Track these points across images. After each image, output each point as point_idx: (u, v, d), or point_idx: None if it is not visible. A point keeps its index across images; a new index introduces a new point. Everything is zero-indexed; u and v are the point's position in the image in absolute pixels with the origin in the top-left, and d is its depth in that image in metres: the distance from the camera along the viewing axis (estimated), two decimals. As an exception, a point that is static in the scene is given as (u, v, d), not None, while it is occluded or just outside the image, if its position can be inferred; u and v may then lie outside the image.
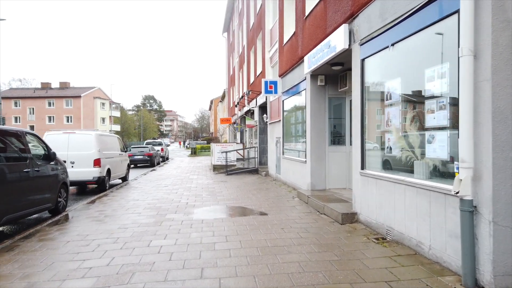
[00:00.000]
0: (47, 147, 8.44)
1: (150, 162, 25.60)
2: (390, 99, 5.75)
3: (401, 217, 5.22)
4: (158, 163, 27.98)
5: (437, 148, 4.54)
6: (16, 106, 69.97)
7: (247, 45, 21.93)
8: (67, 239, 6.06)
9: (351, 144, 9.34)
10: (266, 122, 16.24)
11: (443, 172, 4.49)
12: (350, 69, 8.54)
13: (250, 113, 20.95)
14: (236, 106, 24.91)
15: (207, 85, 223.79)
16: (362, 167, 6.47)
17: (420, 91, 4.99)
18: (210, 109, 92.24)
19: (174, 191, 11.86)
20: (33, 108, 69.89)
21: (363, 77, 6.47)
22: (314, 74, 9.51)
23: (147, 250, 5.32)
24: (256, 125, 18.63)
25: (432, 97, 4.64)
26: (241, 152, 22.85)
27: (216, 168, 18.89)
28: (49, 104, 70.18)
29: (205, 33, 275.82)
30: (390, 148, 5.76)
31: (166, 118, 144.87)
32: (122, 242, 5.80)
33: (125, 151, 16.19)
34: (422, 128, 4.87)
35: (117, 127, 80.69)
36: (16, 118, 69.49)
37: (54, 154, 8.50)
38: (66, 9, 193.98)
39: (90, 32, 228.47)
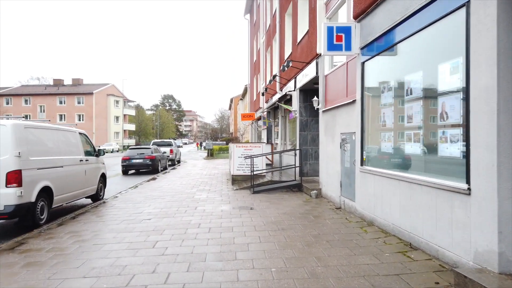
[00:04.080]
0: None
1: (152, 167, 19.87)
2: None
3: None
4: (165, 168, 22.31)
5: None
6: (27, 103, 66.52)
7: (280, 7, 15.89)
8: None
9: None
10: (317, 109, 10.16)
11: None
12: None
13: (285, 101, 14.89)
14: (262, 95, 18.95)
15: (227, 84, 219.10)
16: None
17: None
18: (230, 108, 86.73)
19: (152, 238, 5.93)
20: (43, 106, 66.11)
21: None
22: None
23: None
24: (296, 117, 12.58)
25: None
26: (269, 156, 16.91)
27: (236, 181, 12.92)
28: (60, 101, 66.26)
29: (226, 31, 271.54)
30: None
31: (185, 118, 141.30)
32: None
33: (97, 155, 10.45)
34: None
35: (132, 126, 76.23)
36: (26, 116, 65.69)
37: None
38: (88, 7, 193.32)
39: (111, 31, 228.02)
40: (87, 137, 10.21)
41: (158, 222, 7.05)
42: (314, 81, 10.74)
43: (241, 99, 54.79)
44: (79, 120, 65.65)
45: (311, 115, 12.46)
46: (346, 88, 7.95)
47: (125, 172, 19.90)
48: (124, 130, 73.16)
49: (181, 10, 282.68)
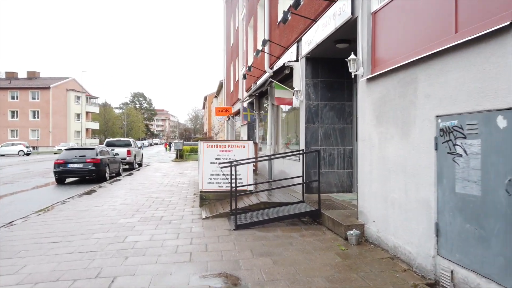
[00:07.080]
0: None
1: (96, 173, 14.78)
2: None
3: None
4: (118, 174, 17.30)
5: None
6: (-27, 99, 58.55)
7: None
8: None
9: None
10: (355, 76, 5.61)
11: None
12: None
13: (279, 80, 10.29)
14: (244, 78, 14.37)
15: (201, 83, 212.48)
16: None
17: None
18: (204, 107, 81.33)
19: None
20: (-8, 102, 58.57)
21: None
22: None
23: None
24: (301, 101, 8.06)
25: None
26: (254, 161, 12.32)
27: (206, 200, 8.18)
28: (13, 96, 58.92)
29: (200, 26, 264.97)
30: None
31: (157, 118, 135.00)
32: None
33: None
34: None
35: (96, 125, 69.41)
36: (-28, 113, 58.07)
37: None
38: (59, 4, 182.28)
39: (80, 23, 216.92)
40: None
41: None
42: (338, 36, 6.30)
43: (215, 96, 49.84)
44: (34, 117, 58.61)
45: (324, 97, 8.01)
46: (455, 15, 3.46)
47: (59, 180, 14.73)
48: (87, 129, 66.38)
49: (153, 4, 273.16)
